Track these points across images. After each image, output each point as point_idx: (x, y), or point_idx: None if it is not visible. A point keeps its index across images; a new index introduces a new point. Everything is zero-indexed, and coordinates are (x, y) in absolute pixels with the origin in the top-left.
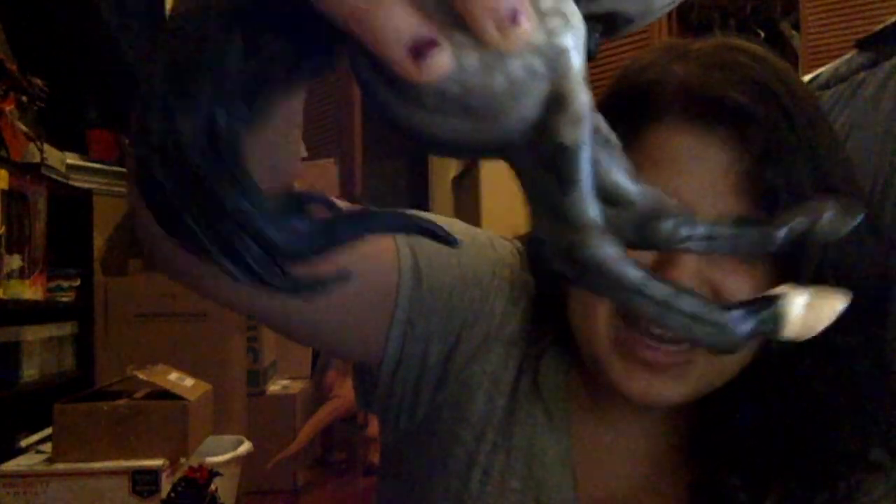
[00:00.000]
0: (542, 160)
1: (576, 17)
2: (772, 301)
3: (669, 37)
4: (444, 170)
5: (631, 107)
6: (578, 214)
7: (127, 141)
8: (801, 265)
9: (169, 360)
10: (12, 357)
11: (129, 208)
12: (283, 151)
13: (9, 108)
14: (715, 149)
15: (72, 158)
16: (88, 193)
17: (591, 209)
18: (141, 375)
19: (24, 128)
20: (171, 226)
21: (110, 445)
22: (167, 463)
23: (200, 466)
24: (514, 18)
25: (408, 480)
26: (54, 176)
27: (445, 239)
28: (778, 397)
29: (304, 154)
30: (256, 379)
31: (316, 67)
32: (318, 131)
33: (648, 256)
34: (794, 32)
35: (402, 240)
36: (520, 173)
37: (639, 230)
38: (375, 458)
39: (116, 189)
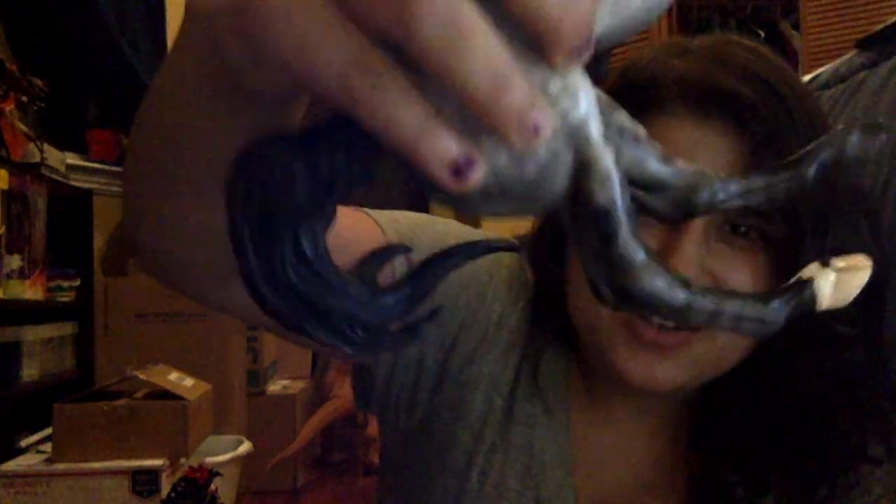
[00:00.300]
0: (582, 219)
1: (583, 80)
2: (804, 286)
3: (670, 36)
4: None
5: (632, 100)
6: (623, 261)
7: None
8: (800, 253)
9: (169, 360)
10: (12, 357)
11: (123, 215)
12: None
13: (9, 108)
14: (714, 137)
15: (72, 158)
16: (88, 193)
17: (635, 252)
18: (141, 375)
19: (24, 128)
20: (286, 323)
21: (110, 445)
22: (167, 463)
23: (200, 466)
24: (536, 131)
25: (407, 480)
26: (54, 176)
27: (516, 248)
28: (776, 391)
29: None
30: (256, 379)
31: (369, 176)
32: None
33: (653, 243)
34: (794, 32)
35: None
36: (566, 228)
37: (678, 205)
38: (375, 458)
39: (116, 189)
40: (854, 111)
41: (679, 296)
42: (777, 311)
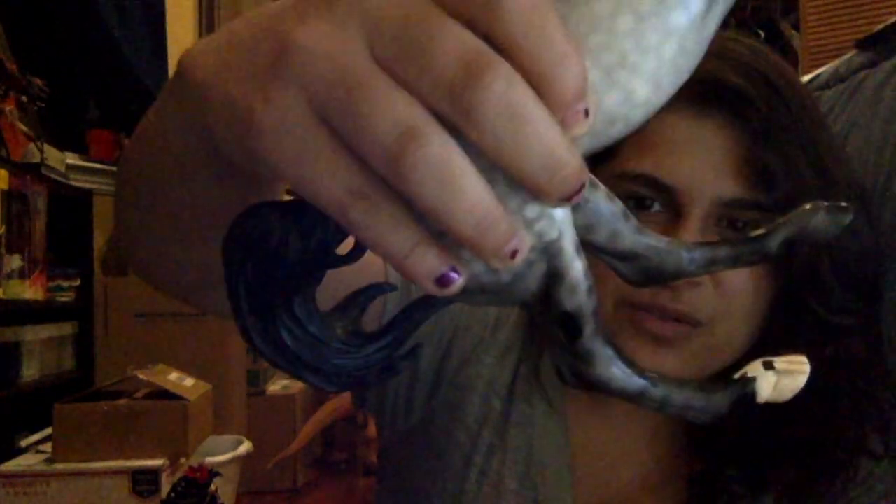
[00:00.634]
0: (552, 318)
1: None
2: (746, 383)
3: None
4: None
5: None
6: (585, 355)
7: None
8: (796, 254)
9: (169, 360)
10: (12, 357)
11: (115, 221)
12: None
13: (9, 108)
14: (713, 131)
15: (72, 158)
16: (88, 193)
17: (596, 348)
18: (141, 375)
19: (24, 128)
20: (280, 369)
21: (110, 445)
22: (167, 463)
23: (200, 466)
24: (514, 255)
25: (405, 481)
26: (54, 176)
27: None
28: None
29: None
30: (256, 379)
31: (361, 249)
32: None
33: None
34: (794, 32)
35: None
36: (536, 319)
37: (647, 274)
38: (375, 458)
39: None
40: (854, 111)
41: (635, 383)
42: (720, 402)
